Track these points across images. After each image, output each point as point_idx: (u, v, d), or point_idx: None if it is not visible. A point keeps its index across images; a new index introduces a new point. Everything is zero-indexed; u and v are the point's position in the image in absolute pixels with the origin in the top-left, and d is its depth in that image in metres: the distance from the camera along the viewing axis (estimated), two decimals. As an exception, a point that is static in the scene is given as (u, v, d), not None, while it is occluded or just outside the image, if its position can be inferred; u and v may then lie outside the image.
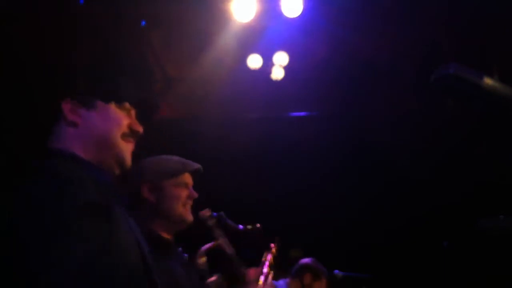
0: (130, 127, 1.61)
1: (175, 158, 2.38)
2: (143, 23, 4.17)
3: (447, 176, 4.90)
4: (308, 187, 5.43)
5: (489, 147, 4.17)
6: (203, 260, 1.71)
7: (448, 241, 4.11)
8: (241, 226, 2.61)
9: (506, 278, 4.11)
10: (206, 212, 1.99)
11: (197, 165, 2.36)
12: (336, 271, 3.86)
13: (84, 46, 3.74)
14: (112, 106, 1.60)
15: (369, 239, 5.06)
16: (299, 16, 4.04)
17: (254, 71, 4.63)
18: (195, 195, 2.26)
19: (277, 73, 4.64)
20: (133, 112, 1.65)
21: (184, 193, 2.23)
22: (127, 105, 1.63)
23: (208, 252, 1.75)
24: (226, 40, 4.28)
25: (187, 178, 2.29)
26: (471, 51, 3.91)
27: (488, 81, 1.06)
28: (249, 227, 2.73)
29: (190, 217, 2.18)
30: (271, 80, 4.65)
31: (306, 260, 3.85)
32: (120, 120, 1.60)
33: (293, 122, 5.54)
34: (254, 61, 4.61)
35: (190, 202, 2.24)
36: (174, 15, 4.11)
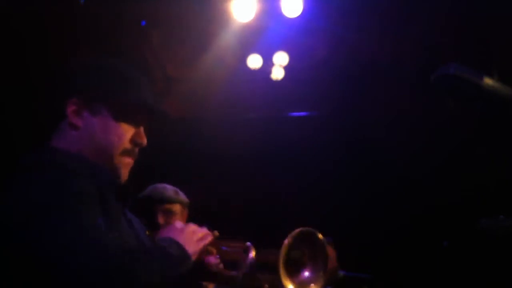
0: (133, 140, 1.56)
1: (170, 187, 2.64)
2: (143, 23, 4.17)
3: (447, 176, 4.89)
4: (308, 187, 5.42)
5: (489, 147, 4.17)
6: None
7: (448, 241, 4.11)
8: None
9: (506, 278, 4.10)
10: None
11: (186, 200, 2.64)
12: (336, 271, 3.85)
13: (94, 47, 3.75)
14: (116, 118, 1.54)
15: (369, 239, 5.05)
16: (299, 16, 4.04)
17: (254, 71, 4.63)
18: None
19: (277, 73, 4.63)
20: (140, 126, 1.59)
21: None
22: (134, 116, 1.57)
23: None
24: (226, 40, 4.28)
25: (175, 207, 2.55)
26: (471, 51, 3.91)
27: (488, 81, 1.06)
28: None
29: None
30: (271, 80, 4.64)
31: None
32: (122, 134, 1.54)
33: (293, 122, 5.54)
34: (254, 61, 4.61)
35: None
36: (174, 15, 4.11)
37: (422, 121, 4.85)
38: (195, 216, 2.50)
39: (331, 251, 3.82)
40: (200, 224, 1.66)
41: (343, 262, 3.87)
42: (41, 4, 3.59)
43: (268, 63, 4.59)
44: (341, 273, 3.77)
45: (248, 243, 1.56)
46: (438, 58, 3.96)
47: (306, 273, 1.40)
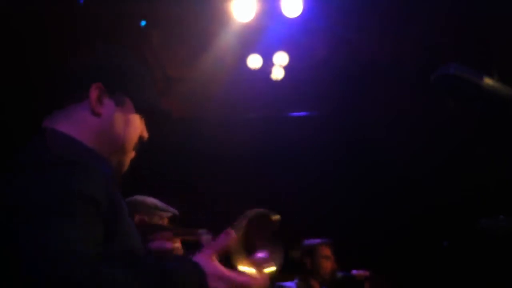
0: (140, 136, 1.55)
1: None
2: (143, 23, 4.17)
3: (447, 176, 4.90)
4: (308, 188, 5.43)
5: (489, 147, 4.17)
6: None
7: (448, 241, 4.11)
8: None
9: (506, 278, 4.10)
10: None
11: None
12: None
13: (94, 47, 3.75)
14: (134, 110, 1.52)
15: (369, 239, 5.06)
16: (299, 16, 4.04)
17: (254, 71, 4.63)
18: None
19: (277, 73, 4.64)
20: (143, 119, 1.57)
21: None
22: (143, 111, 1.55)
23: None
24: (226, 40, 4.28)
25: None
26: (471, 51, 3.91)
27: (488, 81, 1.06)
28: None
29: None
30: (271, 80, 4.65)
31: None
32: (139, 128, 1.53)
33: (293, 122, 5.54)
34: (254, 61, 4.61)
35: None
36: (174, 15, 4.11)
37: (422, 121, 4.85)
38: (195, 216, 2.49)
39: (327, 251, 3.84)
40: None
41: (343, 262, 3.87)
42: (41, 4, 3.59)
43: (268, 63, 4.59)
44: (340, 274, 3.78)
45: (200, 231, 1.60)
46: (438, 58, 3.97)
47: (261, 254, 1.38)
